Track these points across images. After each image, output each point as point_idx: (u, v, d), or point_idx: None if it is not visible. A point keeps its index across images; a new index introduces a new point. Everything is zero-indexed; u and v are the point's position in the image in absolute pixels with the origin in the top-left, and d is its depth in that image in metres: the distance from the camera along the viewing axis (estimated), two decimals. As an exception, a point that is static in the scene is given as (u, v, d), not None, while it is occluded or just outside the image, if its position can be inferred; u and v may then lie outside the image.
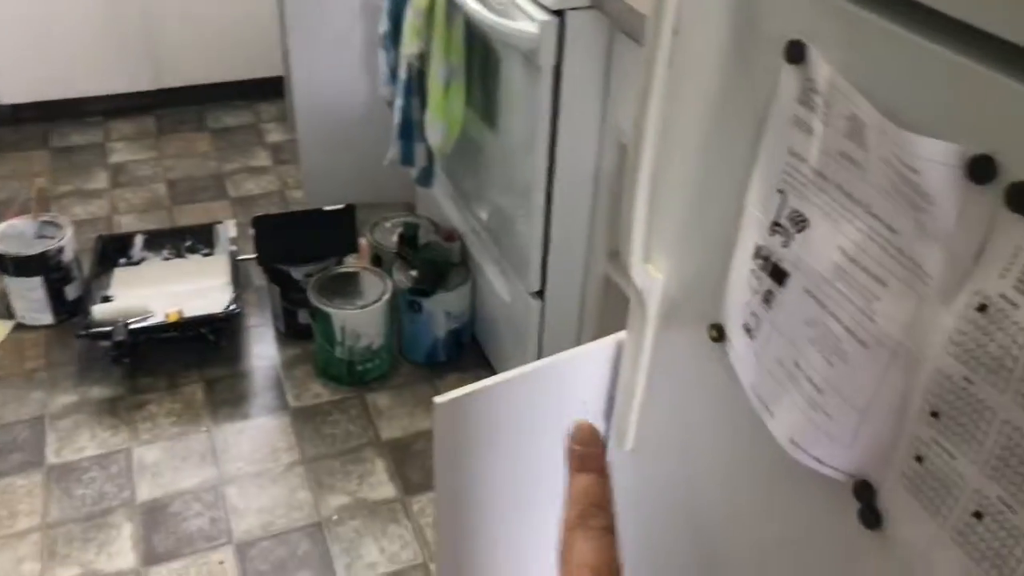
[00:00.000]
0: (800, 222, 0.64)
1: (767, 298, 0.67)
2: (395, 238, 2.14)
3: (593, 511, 0.43)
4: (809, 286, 0.62)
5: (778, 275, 0.66)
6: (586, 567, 0.41)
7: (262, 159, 2.98)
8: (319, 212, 2.15)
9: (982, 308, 0.49)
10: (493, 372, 2.05)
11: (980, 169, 0.48)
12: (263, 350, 2.16)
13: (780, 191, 0.65)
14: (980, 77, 0.49)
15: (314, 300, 1.96)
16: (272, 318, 2.21)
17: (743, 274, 0.70)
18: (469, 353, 2.11)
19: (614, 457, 1.01)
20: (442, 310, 2.00)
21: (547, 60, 1.40)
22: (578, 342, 1.81)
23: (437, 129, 1.77)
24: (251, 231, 2.11)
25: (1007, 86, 0.47)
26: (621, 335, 0.97)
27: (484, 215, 1.91)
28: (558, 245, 1.61)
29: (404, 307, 2.02)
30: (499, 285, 1.87)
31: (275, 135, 3.12)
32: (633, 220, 0.82)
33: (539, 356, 1.79)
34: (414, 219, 2.24)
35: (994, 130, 0.48)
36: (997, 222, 0.48)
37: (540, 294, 1.70)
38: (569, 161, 1.51)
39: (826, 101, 0.59)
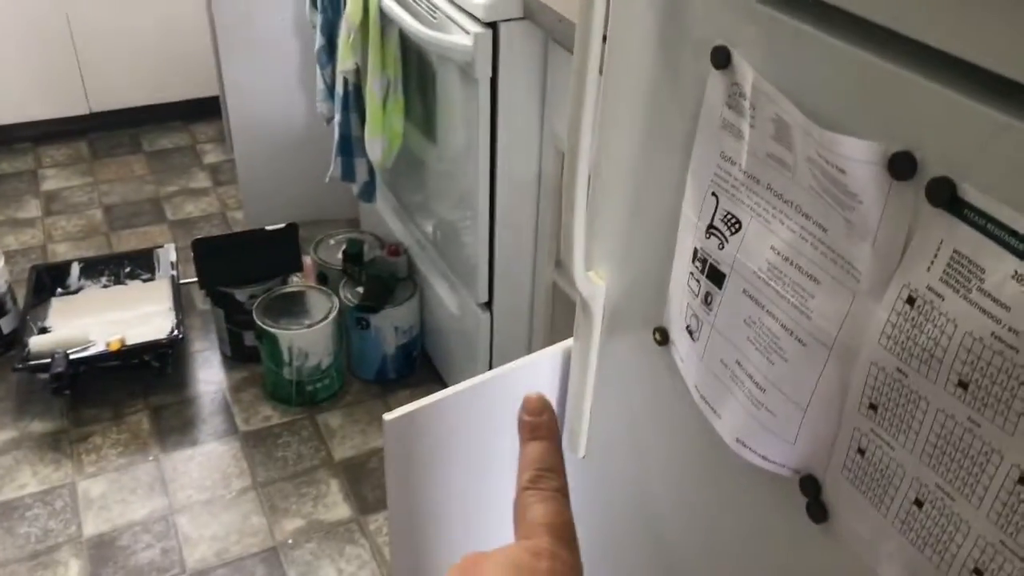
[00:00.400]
0: (734, 224, 0.65)
1: (707, 300, 0.68)
2: (340, 255, 2.12)
3: (545, 474, 0.45)
4: (746, 287, 0.64)
5: (716, 277, 0.67)
6: (541, 525, 0.42)
7: (201, 181, 2.93)
8: (261, 232, 2.12)
9: (911, 301, 0.50)
10: (445, 386, 2.04)
11: (901, 165, 0.50)
12: (209, 375, 2.12)
13: (713, 194, 0.66)
14: (896, 77, 0.50)
15: (260, 321, 1.94)
16: (217, 342, 2.17)
17: (683, 277, 0.71)
18: (420, 368, 2.10)
19: (568, 465, 1.01)
20: (391, 325, 1.98)
21: (483, 72, 1.40)
22: (529, 351, 1.81)
23: (377, 144, 1.76)
24: (192, 255, 2.08)
25: (922, 84, 0.49)
26: (569, 343, 0.97)
27: (429, 228, 1.91)
28: (504, 255, 1.61)
29: (352, 324, 2.00)
30: (447, 298, 1.87)
31: (213, 156, 3.07)
32: (573, 228, 0.83)
33: (490, 367, 1.79)
34: (358, 235, 2.22)
35: (912, 127, 0.49)
36: (920, 217, 0.49)
37: (488, 305, 1.70)
38: (510, 170, 1.51)
39: (752, 104, 0.60)
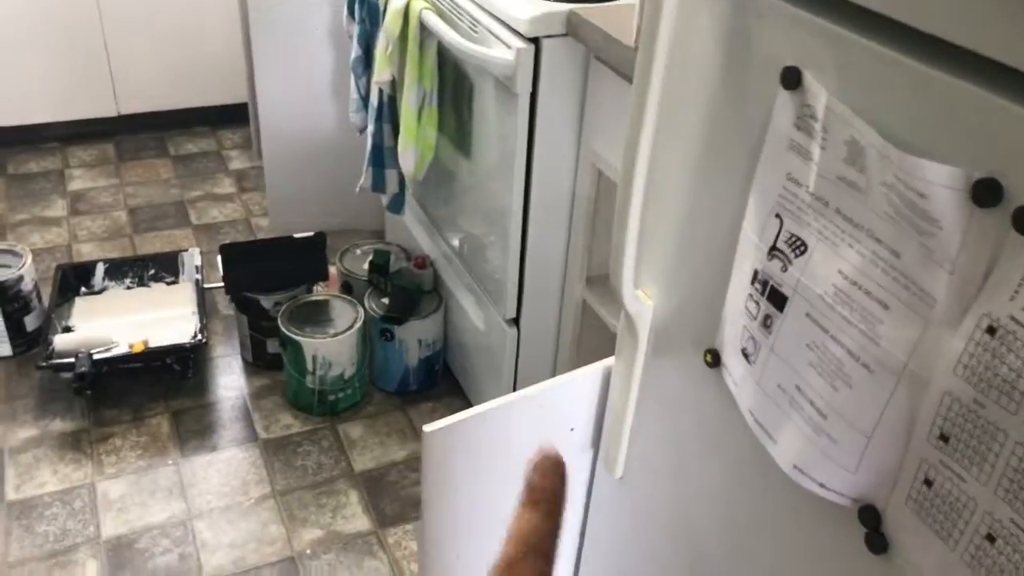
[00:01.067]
0: (799, 247, 0.64)
1: (766, 323, 0.67)
2: (365, 266, 2.12)
3: (529, 556, 0.40)
4: (810, 310, 0.63)
5: (777, 300, 0.66)
6: None
7: (226, 186, 2.94)
8: (288, 240, 2.12)
9: (991, 331, 0.49)
10: (466, 401, 2.03)
11: (985, 193, 0.49)
12: (231, 380, 2.11)
13: (778, 216, 0.65)
14: (983, 102, 0.49)
15: (285, 329, 1.93)
16: (240, 348, 2.17)
17: (740, 299, 0.70)
18: (441, 381, 2.09)
19: (603, 485, 1.00)
20: (414, 338, 1.98)
21: (523, 87, 1.40)
22: (554, 369, 1.80)
23: (410, 155, 1.77)
24: (218, 259, 2.08)
25: (1009, 110, 0.48)
26: (609, 361, 0.97)
27: (457, 241, 1.91)
28: (534, 272, 1.61)
29: (376, 335, 2.00)
30: (473, 312, 1.86)
31: (238, 162, 3.08)
32: (625, 246, 0.82)
33: (514, 384, 1.78)
34: (384, 246, 2.22)
35: (999, 154, 0.48)
36: (1005, 245, 0.48)
37: (515, 321, 1.69)
38: (545, 187, 1.51)
39: (824, 126, 0.60)
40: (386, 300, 2.00)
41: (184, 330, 2.10)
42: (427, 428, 0.87)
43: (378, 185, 1.94)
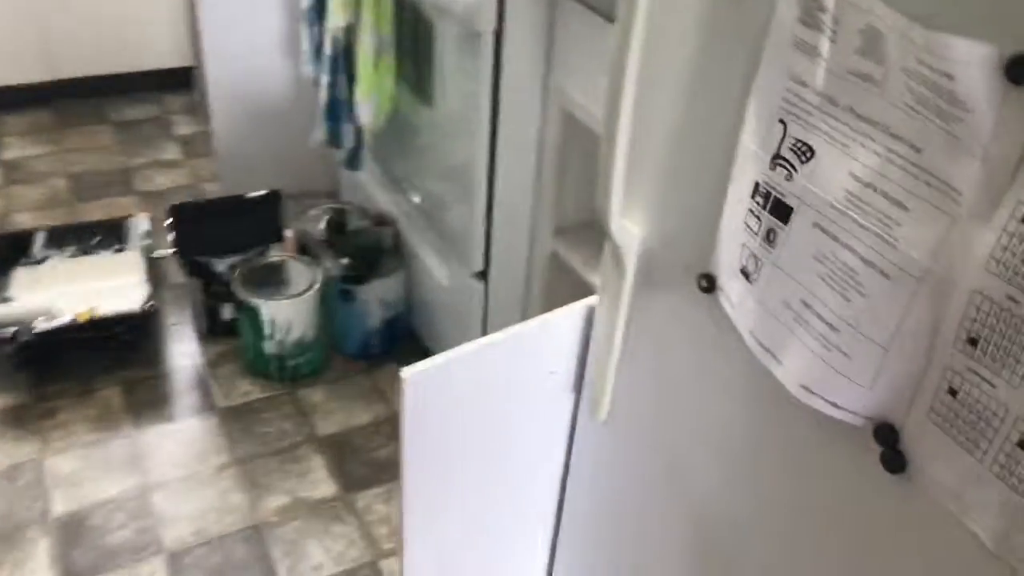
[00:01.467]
0: (804, 152, 0.60)
1: (769, 237, 0.63)
2: (322, 226, 2.05)
3: None
4: (818, 219, 0.59)
5: (781, 211, 0.62)
6: None
7: (172, 152, 2.83)
8: (242, 199, 2.04)
9: (1029, 219, 0.46)
10: (431, 361, 1.98)
11: (1020, 69, 0.45)
12: (184, 349, 2.03)
13: (781, 121, 0.61)
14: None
15: (240, 292, 1.86)
16: (192, 316, 2.09)
17: (739, 215, 0.66)
18: (405, 343, 2.03)
19: (587, 428, 0.97)
20: (376, 298, 1.92)
21: (487, 26, 1.34)
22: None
23: (367, 106, 1.70)
24: (168, 221, 1.99)
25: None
26: (591, 300, 0.92)
27: (417, 198, 1.84)
28: (501, 223, 1.56)
29: (336, 297, 1.93)
30: (437, 269, 1.81)
31: (184, 128, 2.97)
32: (612, 171, 0.77)
33: (481, 340, 1.73)
34: (342, 205, 2.15)
35: (1038, 26, 0.45)
36: (1045, 124, 0.45)
37: (483, 275, 1.64)
38: (511, 133, 1.45)
39: (834, 17, 0.56)
40: (345, 260, 1.93)
41: (133, 299, 2.00)
42: (405, 372, 0.82)
43: (334, 140, 1.86)
